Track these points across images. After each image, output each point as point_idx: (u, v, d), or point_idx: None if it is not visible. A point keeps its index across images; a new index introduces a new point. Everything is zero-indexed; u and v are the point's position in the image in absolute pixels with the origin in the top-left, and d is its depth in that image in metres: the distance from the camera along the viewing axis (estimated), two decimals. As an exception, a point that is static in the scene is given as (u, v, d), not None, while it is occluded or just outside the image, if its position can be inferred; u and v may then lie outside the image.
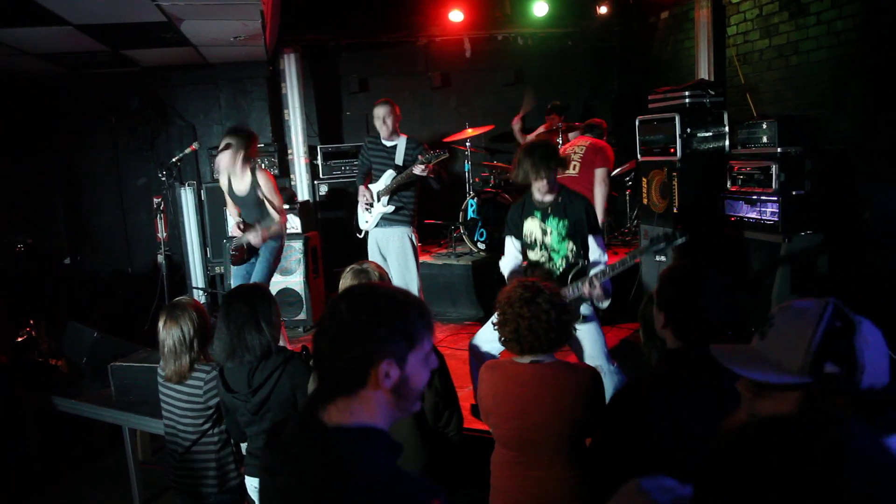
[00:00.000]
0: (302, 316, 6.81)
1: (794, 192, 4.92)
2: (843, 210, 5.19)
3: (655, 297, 2.10)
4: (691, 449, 1.82)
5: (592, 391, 2.44)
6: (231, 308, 2.70)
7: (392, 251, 5.34)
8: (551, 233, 3.95)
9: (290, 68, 8.20)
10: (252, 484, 2.87)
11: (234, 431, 2.92)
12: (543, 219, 3.96)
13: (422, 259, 6.52)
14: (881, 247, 4.96)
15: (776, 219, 4.95)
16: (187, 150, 5.39)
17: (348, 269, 2.61)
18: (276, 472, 1.42)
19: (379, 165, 5.39)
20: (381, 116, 5.24)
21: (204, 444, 3.01)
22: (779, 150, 5.00)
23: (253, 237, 4.80)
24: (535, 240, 4.02)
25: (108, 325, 6.03)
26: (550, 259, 3.99)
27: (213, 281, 7.46)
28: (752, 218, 5.19)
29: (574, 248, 3.93)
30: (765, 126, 5.15)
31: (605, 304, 3.95)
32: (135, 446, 4.17)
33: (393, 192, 5.27)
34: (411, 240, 5.38)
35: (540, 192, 3.92)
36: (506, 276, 4.12)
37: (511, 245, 4.12)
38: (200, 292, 7.28)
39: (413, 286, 5.33)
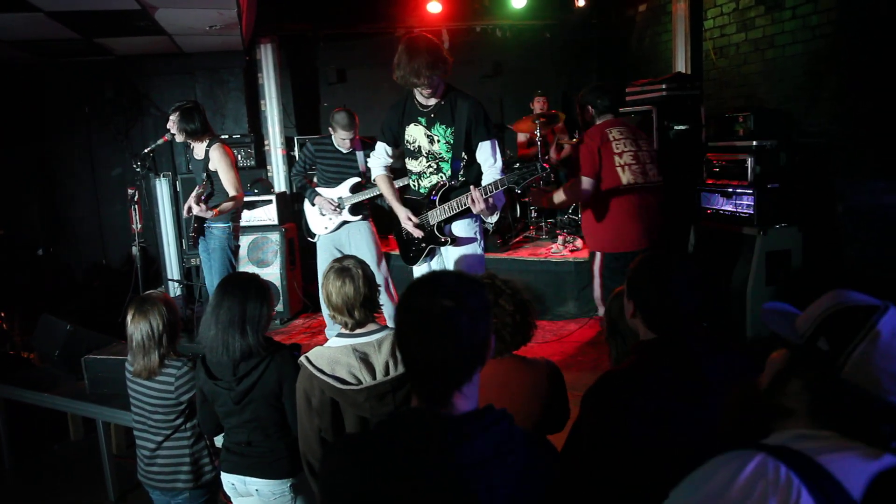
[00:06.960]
0: (279, 308, 6.76)
1: (769, 185, 4.97)
2: (818, 203, 5.24)
3: (626, 285, 2.08)
4: (674, 441, 1.81)
5: (549, 388, 2.34)
6: (221, 304, 2.59)
7: (363, 244, 5.41)
8: (438, 141, 3.60)
9: (267, 59, 8.12)
10: (228, 480, 2.75)
11: (208, 425, 2.83)
12: (429, 125, 3.59)
13: (395, 252, 6.52)
14: (854, 240, 5.02)
15: (751, 211, 4.99)
16: (160, 142, 5.28)
17: (328, 267, 2.55)
18: None
19: (335, 172, 5.41)
20: (348, 137, 5.19)
21: (177, 439, 2.95)
22: (754, 143, 5.04)
23: (196, 207, 4.84)
24: (420, 147, 3.66)
25: (82, 317, 5.93)
26: (439, 169, 3.67)
27: (188, 273, 7.39)
28: (728, 210, 5.23)
29: (466, 158, 3.60)
30: (741, 119, 5.19)
31: (493, 219, 3.69)
32: (109, 440, 4.11)
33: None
34: (372, 231, 5.52)
35: (423, 96, 3.56)
36: (373, 177, 3.97)
37: (382, 150, 3.87)
38: (176, 284, 7.20)
39: (381, 274, 5.42)
